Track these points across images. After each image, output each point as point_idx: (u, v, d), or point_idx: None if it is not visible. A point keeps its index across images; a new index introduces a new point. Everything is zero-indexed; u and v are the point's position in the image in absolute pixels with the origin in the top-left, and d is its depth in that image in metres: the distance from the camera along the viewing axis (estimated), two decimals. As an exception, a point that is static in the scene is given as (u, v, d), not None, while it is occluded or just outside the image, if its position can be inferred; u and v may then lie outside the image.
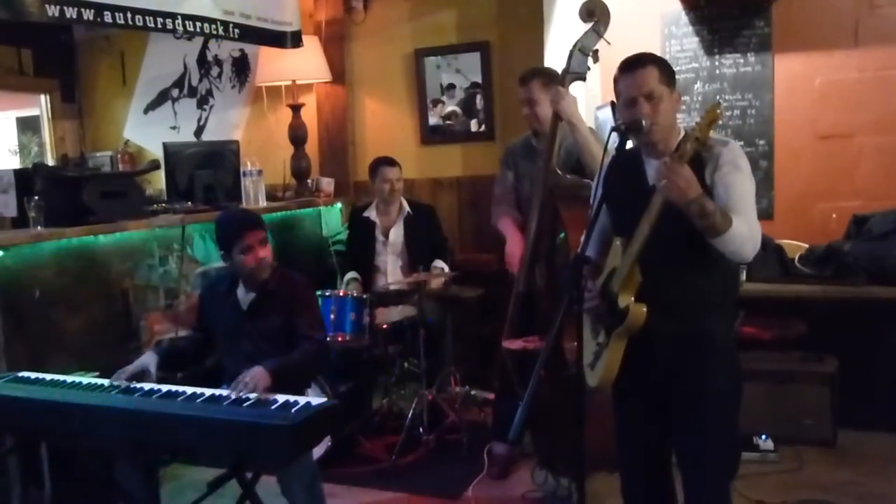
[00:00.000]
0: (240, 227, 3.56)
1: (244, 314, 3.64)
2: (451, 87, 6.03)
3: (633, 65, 2.74)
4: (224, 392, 3.12)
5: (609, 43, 3.80)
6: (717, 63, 5.03)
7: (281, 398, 3.00)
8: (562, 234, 3.77)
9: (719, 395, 2.76)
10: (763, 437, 4.43)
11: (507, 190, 4.40)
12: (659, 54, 3.04)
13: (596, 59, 3.87)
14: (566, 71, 3.86)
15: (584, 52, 3.83)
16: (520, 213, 4.30)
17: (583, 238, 2.74)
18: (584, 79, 3.91)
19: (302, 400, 2.97)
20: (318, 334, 3.61)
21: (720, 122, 4.81)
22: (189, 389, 3.17)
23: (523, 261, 4.04)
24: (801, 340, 4.58)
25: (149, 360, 3.46)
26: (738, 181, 2.65)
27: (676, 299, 2.73)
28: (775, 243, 4.73)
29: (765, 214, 4.83)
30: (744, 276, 4.46)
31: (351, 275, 5.31)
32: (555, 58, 4.68)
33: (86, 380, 3.43)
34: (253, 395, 3.06)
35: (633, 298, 2.67)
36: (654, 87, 2.70)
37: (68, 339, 4.19)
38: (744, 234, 2.56)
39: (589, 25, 3.80)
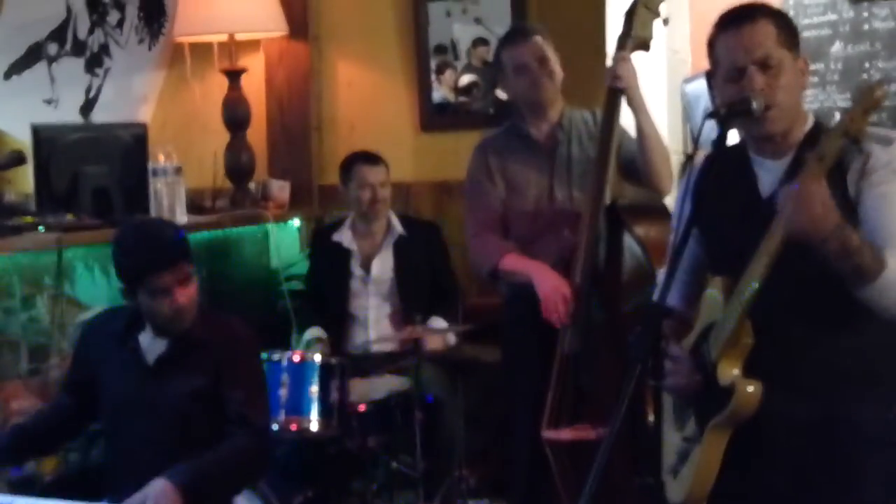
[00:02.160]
0: (150, 259, 3.53)
1: (148, 372, 3.61)
2: (472, 43, 6.03)
3: (740, 19, 2.75)
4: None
5: None
6: (865, 13, 5.02)
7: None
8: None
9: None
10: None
11: (493, 211, 4.41)
12: (777, 3, 3.04)
13: (666, 23, 4.03)
14: (626, 34, 3.94)
15: (650, 8, 3.90)
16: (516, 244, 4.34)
17: (660, 276, 2.73)
18: (648, 48, 4.04)
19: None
20: (258, 418, 3.58)
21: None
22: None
23: (574, 309, 4.03)
24: None
25: None
26: None
27: (807, 371, 2.73)
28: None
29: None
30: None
31: (313, 332, 5.31)
32: (621, 6, 4.73)
33: None
34: None
35: (739, 371, 2.65)
36: (770, 49, 2.71)
37: None
38: None
39: None
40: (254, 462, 3.57)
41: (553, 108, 4.33)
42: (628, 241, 3.91)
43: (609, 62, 4.22)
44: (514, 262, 4.30)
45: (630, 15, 3.98)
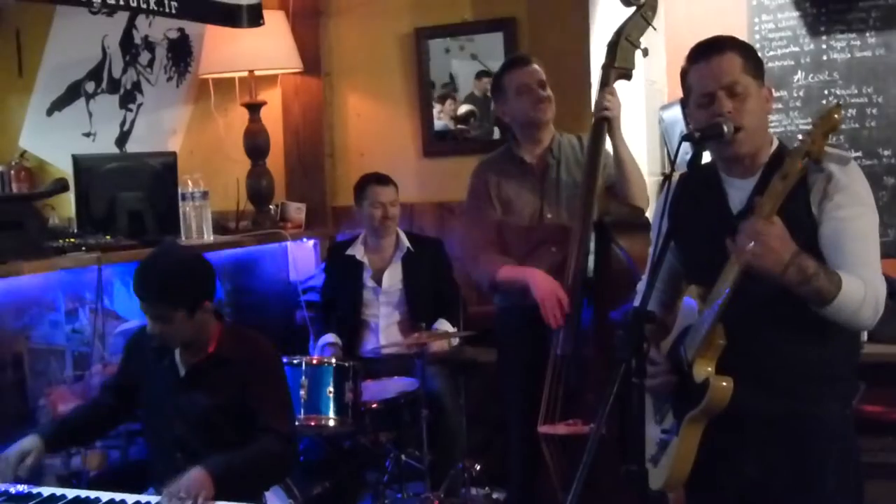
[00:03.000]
0: (134, 286, 3.51)
1: (181, 382, 3.62)
2: (476, 75, 6.03)
3: (709, 50, 2.77)
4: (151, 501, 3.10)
5: (655, 29, 3.90)
6: (824, 46, 5.03)
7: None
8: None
9: (833, 501, 2.75)
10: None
11: (492, 230, 4.39)
12: (746, 34, 3.06)
13: (645, 54, 4.02)
14: (609, 66, 3.94)
15: (632, 42, 3.92)
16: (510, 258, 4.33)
17: (641, 285, 2.74)
18: (630, 77, 4.04)
19: (261, 510, 2.94)
20: (284, 427, 3.57)
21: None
22: (104, 496, 3.14)
23: (568, 313, 4.03)
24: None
25: (29, 446, 3.42)
26: (856, 218, 2.66)
27: (774, 370, 2.73)
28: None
29: (891, 250, 4.80)
30: (865, 337, 4.43)
31: (328, 338, 5.31)
32: (603, 39, 4.74)
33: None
34: None
35: (713, 369, 2.66)
36: (737, 77, 2.73)
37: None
38: (856, 298, 2.57)
39: (633, 9, 3.97)
40: (279, 465, 3.57)
41: (546, 132, 4.33)
42: (615, 252, 3.91)
43: (594, 92, 4.23)
44: (511, 272, 4.27)
45: (613, 47, 3.99)
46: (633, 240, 3.85)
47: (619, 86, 4.12)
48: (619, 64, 3.96)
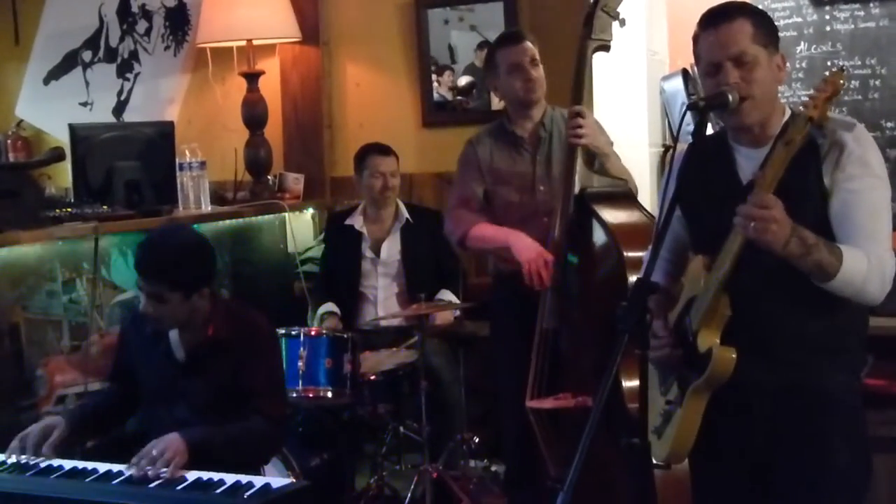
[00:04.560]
0: (135, 262, 3.51)
1: (179, 367, 3.61)
2: (477, 46, 5.99)
3: (719, 17, 2.74)
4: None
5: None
6: (827, 17, 5.00)
7: (229, 478, 2.96)
8: (571, 257, 3.79)
9: (840, 474, 2.75)
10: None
11: (472, 193, 4.38)
12: (748, 3, 3.02)
13: (622, 24, 3.94)
14: (586, 38, 3.90)
15: (608, 12, 3.89)
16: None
17: (646, 255, 2.71)
18: (608, 49, 3.97)
19: (258, 481, 2.93)
20: (273, 410, 3.57)
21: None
22: (101, 466, 3.14)
23: (552, 286, 4.00)
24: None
25: (54, 424, 3.42)
26: (869, 189, 2.64)
27: (780, 341, 2.72)
28: (910, 264, 4.68)
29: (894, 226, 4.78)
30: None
31: (326, 307, 5.32)
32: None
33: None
34: (162, 472, 3.04)
35: (717, 339, 2.65)
36: (746, 46, 2.69)
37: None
38: (860, 273, 2.55)
39: None
40: (263, 445, 3.59)
41: (537, 108, 4.30)
42: (595, 223, 3.89)
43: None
44: (488, 230, 4.24)
45: (589, 18, 3.90)
46: (613, 210, 3.84)
47: (621, 57, 4.08)
48: (597, 35, 3.89)
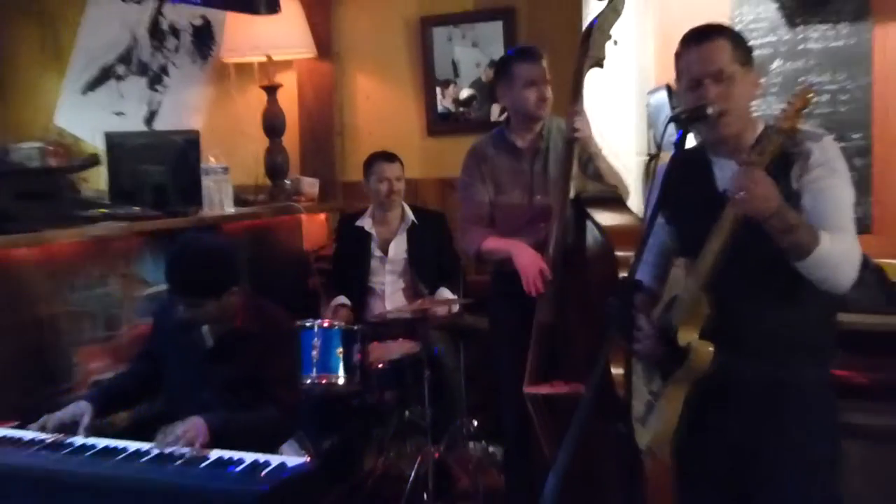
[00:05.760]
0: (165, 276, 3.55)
1: (208, 353, 3.62)
2: (468, 64, 6.00)
3: (700, 37, 2.75)
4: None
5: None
6: (800, 35, 4.98)
7: (249, 457, 2.97)
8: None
9: (812, 460, 2.76)
10: (864, 511, 4.36)
11: (481, 208, 4.37)
12: (728, 24, 3.03)
13: (616, 43, 3.98)
14: (583, 55, 3.92)
15: (603, 32, 3.94)
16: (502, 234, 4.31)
17: (633, 258, 2.72)
18: (602, 65, 4.00)
19: (274, 460, 2.93)
20: (287, 398, 3.61)
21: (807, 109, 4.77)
22: (131, 445, 3.15)
23: (549, 284, 4.01)
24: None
25: (82, 410, 3.44)
26: (833, 188, 2.65)
27: (756, 337, 2.72)
28: (874, 263, 4.66)
29: (860, 226, 4.69)
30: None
31: (339, 300, 5.33)
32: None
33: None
34: (186, 451, 3.06)
35: (697, 335, 2.66)
36: (724, 64, 2.70)
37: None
38: (835, 255, 2.57)
39: (605, 2, 3.93)
40: (276, 430, 3.61)
41: (539, 122, 4.30)
42: (590, 225, 3.92)
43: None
44: (495, 243, 4.25)
45: (586, 37, 3.95)
46: (606, 213, 3.88)
47: (609, 73, 4.09)
48: (593, 53, 3.93)
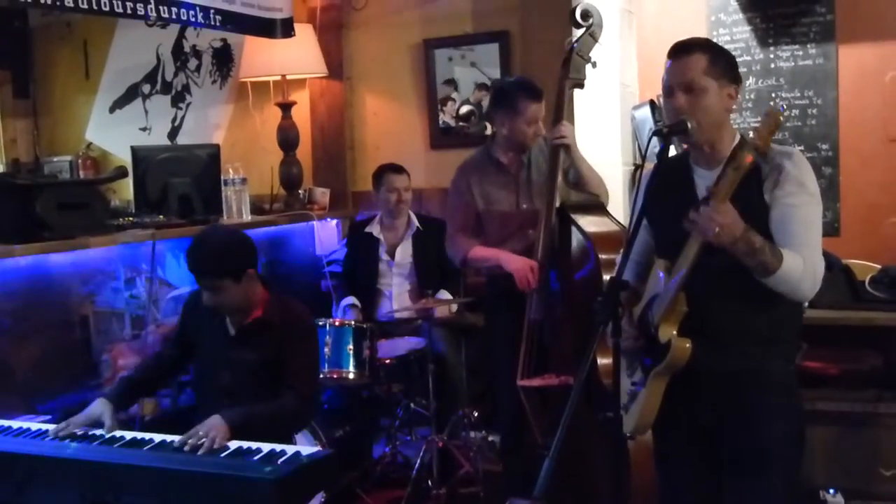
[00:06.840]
0: (187, 264, 3.54)
1: (231, 340, 3.62)
2: (466, 82, 6.01)
3: (680, 50, 2.76)
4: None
5: (601, 44, 4.05)
6: (772, 55, 4.99)
7: (266, 447, 2.97)
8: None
9: (778, 443, 2.76)
10: (832, 491, 4.34)
11: (468, 219, 4.37)
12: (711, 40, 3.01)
13: (594, 65, 4.03)
14: (564, 77, 3.96)
15: (582, 56, 3.99)
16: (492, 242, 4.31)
17: (618, 258, 2.72)
18: (582, 86, 4.06)
19: (290, 449, 2.94)
20: (305, 388, 3.59)
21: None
22: (157, 437, 3.16)
23: (538, 284, 4.03)
24: (874, 376, 4.51)
25: (100, 409, 3.40)
26: (801, 206, 2.65)
27: (727, 333, 2.73)
28: (842, 264, 4.67)
29: (829, 230, 4.77)
30: (806, 304, 4.40)
31: (349, 300, 5.33)
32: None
33: (35, 426, 3.40)
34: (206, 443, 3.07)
35: (675, 331, 2.67)
36: (694, 77, 2.70)
37: (16, 375, 4.17)
38: (796, 272, 2.58)
39: (582, 30, 3.98)
40: (293, 420, 3.62)
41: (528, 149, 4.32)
42: (574, 230, 3.94)
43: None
44: (482, 252, 4.27)
45: (567, 61, 3.99)
46: (589, 219, 3.90)
47: (597, 90, 4.12)
48: (573, 75, 3.99)
